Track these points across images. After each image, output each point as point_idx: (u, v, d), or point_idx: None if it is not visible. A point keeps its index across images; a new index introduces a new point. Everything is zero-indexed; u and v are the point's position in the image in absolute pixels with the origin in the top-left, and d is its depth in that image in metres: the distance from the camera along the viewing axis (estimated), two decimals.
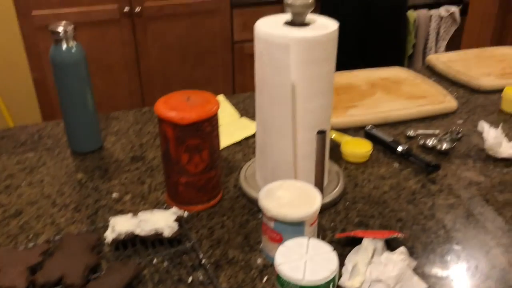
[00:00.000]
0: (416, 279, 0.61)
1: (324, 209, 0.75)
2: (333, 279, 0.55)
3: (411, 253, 0.66)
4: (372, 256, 0.63)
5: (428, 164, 0.85)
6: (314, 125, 0.72)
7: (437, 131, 0.98)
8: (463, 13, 2.72)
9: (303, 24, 0.69)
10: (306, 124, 0.71)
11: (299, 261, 0.55)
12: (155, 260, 0.65)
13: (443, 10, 2.60)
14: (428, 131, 0.98)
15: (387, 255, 0.62)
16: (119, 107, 2.25)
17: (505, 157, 0.88)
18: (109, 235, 0.66)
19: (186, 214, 0.72)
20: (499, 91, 1.12)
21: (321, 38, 0.66)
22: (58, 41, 0.82)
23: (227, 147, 0.94)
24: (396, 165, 0.88)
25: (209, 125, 0.70)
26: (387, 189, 0.81)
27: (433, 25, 2.59)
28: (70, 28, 0.82)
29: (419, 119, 1.04)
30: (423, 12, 2.55)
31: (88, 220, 0.74)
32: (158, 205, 0.77)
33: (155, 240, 0.67)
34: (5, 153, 0.93)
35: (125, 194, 0.80)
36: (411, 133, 0.97)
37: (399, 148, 0.89)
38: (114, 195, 0.80)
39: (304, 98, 0.70)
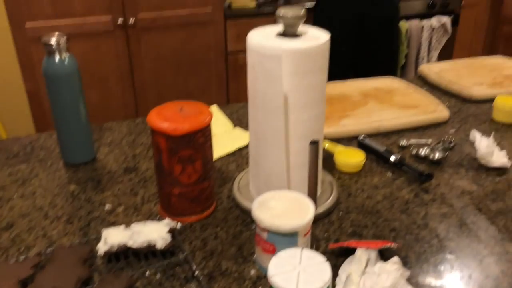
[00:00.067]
0: None
1: (318, 219, 0.75)
2: None
3: (405, 263, 0.66)
4: (366, 266, 0.62)
5: (421, 174, 0.85)
6: (307, 135, 0.72)
7: (429, 141, 0.99)
8: (455, 23, 2.75)
9: (295, 35, 0.70)
10: (299, 134, 0.72)
11: (292, 272, 0.55)
12: (147, 272, 0.65)
13: (434, 21, 2.63)
14: (421, 141, 0.99)
15: (380, 265, 0.62)
16: (113, 118, 2.24)
17: (497, 166, 0.88)
18: (102, 247, 0.65)
19: (179, 225, 0.72)
20: (491, 100, 1.13)
21: (312, 49, 0.67)
22: (51, 52, 0.82)
23: (221, 158, 0.94)
24: (389, 174, 0.88)
25: (202, 135, 0.70)
26: (381, 199, 0.81)
27: (425, 35, 2.61)
28: (63, 39, 0.82)
29: (412, 129, 1.05)
30: (415, 23, 2.58)
31: (81, 232, 0.73)
32: (151, 216, 0.77)
33: (148, 252, 0.67)
34: None
35: (118, 205, 0.80)
36: (403, 142, 0.98)
37: (392, 158, 0.90)
38: (107, 206, 0.79)
39: (297, 109, 0.70)
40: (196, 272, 0.64)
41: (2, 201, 0.81)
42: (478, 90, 1.19)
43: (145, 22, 2.19)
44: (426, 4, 2.66)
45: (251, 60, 0.71)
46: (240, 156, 0.95)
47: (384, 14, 2.07)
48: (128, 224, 0.71)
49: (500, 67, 1.35)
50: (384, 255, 0.67)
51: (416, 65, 2.65)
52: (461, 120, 1.09)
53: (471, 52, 3.04)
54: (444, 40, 2.70)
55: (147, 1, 2.16)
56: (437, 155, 0.91)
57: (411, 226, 0.75)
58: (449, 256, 0.68)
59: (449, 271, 0.66)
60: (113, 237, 0.66)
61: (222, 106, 1.17)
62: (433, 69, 1.33)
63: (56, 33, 0.83)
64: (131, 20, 2.15)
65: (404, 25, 2.53)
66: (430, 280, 0.64)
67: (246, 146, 0.98)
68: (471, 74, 1.30)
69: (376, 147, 0.93)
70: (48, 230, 0.74)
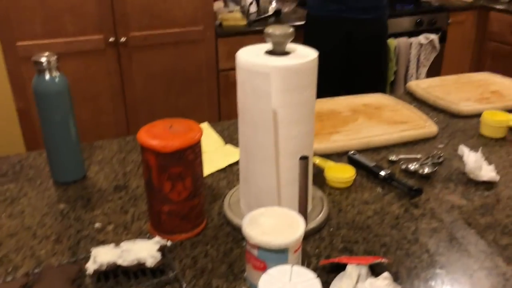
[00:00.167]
0: None
1: (309, 235, 0.75)
2: None
3: (396, 278, 0.66)
4: (357, 282, 0.62)
5: (410, 189, 0.86)
6: (296, 151, 0.72)
7: (418, 156, 0.99)
8: (442, 40, 2.80)
9: (284, 53, 0.71)
10: (288, 150, 0.72)
11: None
12: None
13: (422, 38, 2.68)
14: (410, 156, 0.99)
15: (371, 281, 0.61)
16: (104, 136, 2.24)
17: (485, 180, 0.89)
18: (91, 266, 0.65)
19: (169, 243, 0.71)
20: (478, 115, 1.15)
21: (301, 67, 0.68)
22: (41, 71, 0.83)
23: (211, 174, 0.94)
24: (379, 189, 0.89)
25: (192, 152, 0.70)
26: (371, 214, 0.81)
27: (414, 52, 2.65)
28: (53, 58, 0.83)
29: (401, 144, 1.05)
30: (403, 40, 2.62)
31: (70, 251, 0.73)
32: (141, 234, 0.76)
33: (138, 271, 0.66)
34: None
35: (108, 224, 0.79)
36: (393, 157, 0.98)
37: (382, 173, 0.90)
38: (97, 225, 0.79)
39: (286, 125, 0.70)
40: None
41: None
42: (466, 106, 1.21)
43: (137, 40, 2.20)
44: (414, 21, 2.71)
45: (241, 78, 0.71)
46: (231, 173, 0.95)
47: (372, 32, 2.11)
48: (118, 242, 0.71)
49: (486, 83, 1.38)
50: (375, 270, 0.67)
51: (405, 81, 2.69)
52: (450, 135, 1.10)
53: (459, 68, 3.09)
54: (432, 57, 2.75)
55: (138, 20, 2.18)
56: (426, 170, 0.92)
57: (402, 241, 0.75)
58: (439, 271, 0.68)
59: (440, 286, 0.66)
60: (103, 255, 0.65)
61: (213, 123, 1.17)
62: (421, 86, 1.35)
63: (47, 52, 0.84)
64: (123, 39, 2.17)
65: (392, 42, 2.57)
66: None
67: (237, 163, 0.98)
68: (459, 90, 1.32)
69: (366, 163, 0.94)
70: (36, 249, 0.73)
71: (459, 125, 1.15)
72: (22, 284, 0.62)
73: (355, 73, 2.16)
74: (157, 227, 0.75)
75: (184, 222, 0.74)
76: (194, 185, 0.72)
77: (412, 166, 0.93)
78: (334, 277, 0.65)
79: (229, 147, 1.05)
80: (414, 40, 2.65)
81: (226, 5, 2.73)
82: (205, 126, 1.15)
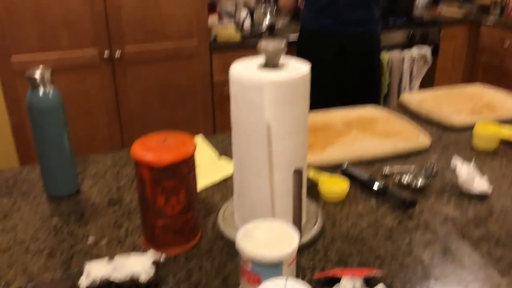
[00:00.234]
0: None
1: (303, 248, 0.75)
2: None
3: None
4: None
5: (404, 201, 0.86)
6: (290, 164, 0.73)
7: (412, 168, 1.00)
8: (435, 53, 2.84)
9: (277, 66, 0.72)
10: (282, 163, 0.72)
11: None
12: None
13: (415, 51, 2.71)
14: (404, 168, 1.00)
15: None
16: (98, 150, 2.23)
17: (478, 192, 0.89)
18: (84, 281, 0.64)
19: (163, 257, 0.71)
20: (471, 127, 1.16)
21: (293, 80, 0.68)
22: (35, 86, 0.83)
23: (206, 188, 0.94)
24: (373, 202, 0.89)
25: (186, 166, 0.70)
26: (365, 227, 0.82)
27: (406, 65, 2.68)
28: (47, 73, 0.83)
29: (394, 157, 1.06)
30: (396, 54, 2.65)
31: (63, 266, 0.72)
32: (135, 249, 0.76)
33: (132, 285, 0.66)
34: None
35: (102, 238, 0.79)
36: (387, 170, 0.99)
37: (376, 186, 0.91)
38: (90, 239, 0.78)
39: (280, 138, 0.71)
40: None
41: None
42: (458, 118, 1.22)
43: (132, 55, 2.22)
44: (406, 35, 2.75)
45: (234, 91, 0.72)
46: (225, 186, 0.95)
47: (365, 46, 2.13)
48: (111, 257, 0.70)
49: (479, 95, 1.39)
50: (369, 283, 0.66)
51: (399, 94, 2.71)
52: (442, 147, 1.11)
53: (451, 80, 3.12)
54: (424, 70, 2.78)
55: (133, 34, 2.19)
56: (419, 182, 0.92)
57: (396, 253, 0.75)
58: (434, 283, 0.68)
59: None
60: (96, 270, 0.65)
61: (207, 136, 1.17)
62: (414, 98, 1.36)
63: (41, 66, 0.84)
64: (117, 53, 2.18)
65: (385, 55, 2.60)
66: None
67: (231, 176, 0.98)
68: (451, 103, 1.33)
69: (360, 175, 0.94)
70: (29, 265, 0.72)
71: (452, 137, 1.16)
72: None
73: (349, 86, 2.17)
74: (151, 241, 0.74)
75: (178, 236, 0.74)
76: (188, 198, 0.72)
77: (406, 179, 0.94)
78: None
79: (223, 161, 1.05)
80: (406, 53, 2.68)
81: (220, 19, 2.75)
82: (199, 139, 1.15)
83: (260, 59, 0.74)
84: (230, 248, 0.76)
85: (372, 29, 2.12)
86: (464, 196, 0.90)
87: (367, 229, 0.81)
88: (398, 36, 2.73)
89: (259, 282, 0.62)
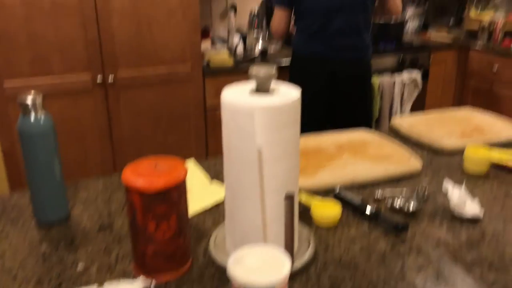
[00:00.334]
0: None
1: (295, 274, 0.74)
2: None
3: None
4: None
5: (396, 225, 0.86)
6: (282, 189, 0.73)
7: (404, 192, 1.00)
8: (425, 77, 2.88)
9: (268, 92, 0.72)
10: (274, 188, 0.72)
11: None
12: None
13: (405, 76, 2.75)
14: (396, 192, 1.00)
15: None
16: (90, 174, 2.22)
17: (470, 216, 0.90)
18: None
19: (153, 284, 0.70)
20: (461, 151, 1.17)
21: (284, 105, 0.69)
22: (26, 111, 0.83)
23: (197, 213, 0.94)
24: (365, 226, 0.89)
25: (177, 191, 0.70)
26: (358, 251, 0.81)
27: (397, 89, 2.72)
28: (39, 98, 0.83)
29: (386, 180, 1.06)
30: (386, 78, 2.69)
31: None
32: (125, 275, 0.75)
33: None
34: None
35: (91, 264, 0.78)
36: (379, 194, 0.99)
37: (368, 210, 0.90)
38: (80, 266, 0.77)
39: (271, 162, 0.71)
40: None
41: None
42: (449, 142, 1.23)
43: (125, 80, 2.23)
44: (396, 60, 2.79)
45: (226, 117, 0.72)
46: (217, 211, 0.94)
47: (356, 71, 2.16)
48: (101, 283, 0.69)
49: (468, 119, 1.41)
50: None
51: (390, 117, 2.74)
52: (434, 171, 1.11)
53: (442, 104, 3.16)
54: (415, 94, 2.81)
55: (127, 59, 2.21)
56: (411, 206, 0.92)
57: (389, 278, 0.74)
58: None
59: None
60: None
61: (200, 160, 1.17)
62: (405, 122, 1.37)
63: (32, 91, 0.84)
64: (111, 78, 2.19)
65: (376, 80, 2.63)
66: None
67: (224, 201, 0.97)
68: (441, 126, 1.34)
69: (352, 199, 0.94)
70: None
71: (443, 160, 1.17)
72: None
73: (341, 110, 2.19)
74: (142, 267, 0.73)
75: (169, 262, 0.73)
76: (179, 224, 0.72)
77: (398, 203, 0.94)
78: None
79: (215, 185, 1.05)
80: (397, 77, 2.71)
81: (213, 45, 2.79)
82: (191, 163, 1.15)
83: (251, 85, 0.75)
84: (221, 275, 0.75)
85: (363, 54, 2.15)
86: (456, 219, 0.90)
87: (360, 254, 0.80)
88: (389, 60, 2.77)
89: None
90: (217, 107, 2.44)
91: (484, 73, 2.97)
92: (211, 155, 2.52)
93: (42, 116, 0.84)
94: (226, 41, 2.82)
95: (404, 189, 1.02)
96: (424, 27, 3.45)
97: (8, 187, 2.17)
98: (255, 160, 0.69)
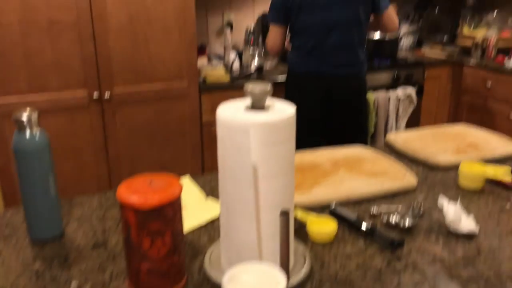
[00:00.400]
0: None
1: None
2: None
3: None
4: None
5: (392, 241, 0.86)
6: (277, 205, 0.73)
7: (399, 208, 1.00)
8: (419, 93, 2.90)
9: (263, 108, 0.73)
10: (269, 204, 0.72)
11: None
12: None
13: (400, 92, 2.77)
14: (391, 208, 1.00)
15: None
16: (86, 191, 2.21)
17: (465, 232, 0.89)
18: None
19: None
20: (456, 167, 1.17)
21: (279, 122, 0.69)
22: (21, 128, 0.83)
23: (192, 229, 0.93)
24: (361, 243, 0.88)
25: (172, 208, 0.69)
26: (354, 268, 0.81)
27: (392, 105, 2.73)
28: (34, 115, 0.83)
29: (382, 196, 1.06)
30: (381, 94, 2.70)
31: None
32: None
33: None
34: None
35: (85, 283, 0.77)
36: (374, 210, 0.99)
37: (364, 226, 0.90)
38: (73, 284, 0.76)
39: (266, 179, 0.71)
40: None
41: None
42: (444, 157, 1.24)
43: (121, 96, 2.23)
44: (391, 76, 2.81)
45: (221, 133, 0.72)
46: (212, 228, 0.94)
47: (351, 87, 2.18)
48: None
49: (463, 135, 1.41)
50: None
51: (385, 133, 2.75)
52: (429, 186, 1.11)
53: (437, 119, 3.18)
54: (410, 110, 2.83)
55: (123, 75, 2.22)
56: (407, 222, 0.92)
57: None
58: None
59: None
60: None
61: (195, 176, 1.17)
62: (400, 138, 1.38)
63: (28, 108, 0.84)
64: (107, 94, 2.19)
65: (371, 95, 2.65)
66: None
67: (219, 217, 0.97)
68: (436, 142, 1.35)
69: (348, 216, 0.94)
70: None
71: (438, 176, 1.17)
72: None
73: (336, 126, 2.20)
74: (136, 285, 0.73)
75: (164, 279, 0.72)
76: (174, 241, 0.71)
77: (393, 219, 0.94)
78: None
79: (211, 201, 1.05)
80: (392, 93, 2.73)
81: (209, 61, 2.81)
82: (186, 179, 1.15)
83: (246, 101, 0.76)
84: None
85: (357, 71, 2.17)
86: (451, 235, 0.90)
87: (356, 271, 0.80)
88: (384, 77, 2.80)
89: None
90: (213, 123, 2.45)
91: (478, 89, 3.00)
92: (207, 171, 2.52)
93: (37, 132, 0.84)
94: (222, 58, 2.84)
95: (400, 205, 1.02)
96: (418, 44, 3.48)
97: (3, 204, 2.15)
98: (250, 176, 0.70)
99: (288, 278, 0.70)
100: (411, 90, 2.80)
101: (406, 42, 3.45)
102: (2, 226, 0.95)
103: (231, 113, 0.71)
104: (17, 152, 0.84)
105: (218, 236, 0.91)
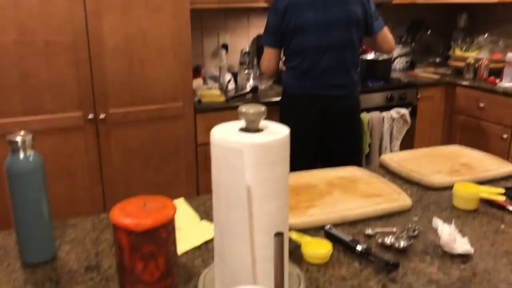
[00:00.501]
0: None
1: None
2: None
3: None
4: None
5: (387, 263, 0.85)
6: (271, 227, 0.72)
7: (394, 229, 1.00)
8: (413, 114, 2.92)
9: (257, 130, 0.73)
10: (263, 226, 0.72)
11: None
12: None
13: (394, 112, 2.79)
14: (386, 229, 1.00)
15: None
16: (80, 212, 2.19)
17: (460, 253, 0.89)
18: None
19: None
20: (450, 187, 1.17)
21: (273, 143, 0.69)
22: (15, 150, 0.83)
23: (186, 252, 0.92)
24: (356, 264, 0.88)
25: (165, 231, 0.69)
26: None
27: (386, 126, 2.75)
28: (28, 137, 0.83)
29: (377, 217, 1.06)
30: (376, 114, 2.72)
31: None
32: None
33: None
34: None
35: None
36: (369, 231, 0.99)
37: (359, 247, 0.90)
38: None
39: (260, 200, 0.71)
40: None
41: None
42: (438, 178, 1.24)
43: (116, 117, 2.23)
44: (385, 97, 2.84)
45: (215, 154, 0.73)
46: (206, 250, 0.93)
47: (345, 108, 2.19)
48: None
49: (456, 156, 1.42)
50: None
51: (380, 153, 2.76)
52: (423, 207, 1.11)
53: (431, 140, 3.19)
54: (404, 130, 2.84)
55: (118, 97, 2.22)
56: (402, 244, 0.92)
57: None
58: None
59: None
60: None
61: (189, 198, 1.17)
62: (394, 159, 1.38)
63: (22, 131, 0.84)
64: (102, 116, 2.19)
65: (365, 116, 2.66)
66: None
67: (213, 239, 0.96)
68: (430, 163, 1.36)
69: (343, 237, 0.94)
70: None
71: (432, 197, 1.17)
72: None
73: (330, 146, 2.21)
74: None
75: None
76: (167, 264, 0.70)
77: (388, 240, 0.93)
78: None
79: (205, 223, 1.04)
80: (386, 114, 2.75)
81: (205, 82, 2.82)
82: (180, 202, 1.14)
83: (240, 123, 0.76)
84: None
85: (351, 92, 2.19)
86: (446, 256, 0.90)
87: None
88: (377, 98, 2.82)
89: None
90: (208, 143, 2.44)
91: (471, 109, 3.03)
92: (202, 191, 2.51)
93: (31, 154, 0.84)
94: (217, 79, 2.86)
95: (395, 226, 1.02)
96: (411, 65, 3.53)
97: None
98: (244, 197, 0.69)
99: None
100: (405, 111, 2.82)
101: (399, 63, 3.49)
102: None
103: (225, 134, 0.71)
104: (10, 173, 0.83)
105: (212, 258, 0.90)
